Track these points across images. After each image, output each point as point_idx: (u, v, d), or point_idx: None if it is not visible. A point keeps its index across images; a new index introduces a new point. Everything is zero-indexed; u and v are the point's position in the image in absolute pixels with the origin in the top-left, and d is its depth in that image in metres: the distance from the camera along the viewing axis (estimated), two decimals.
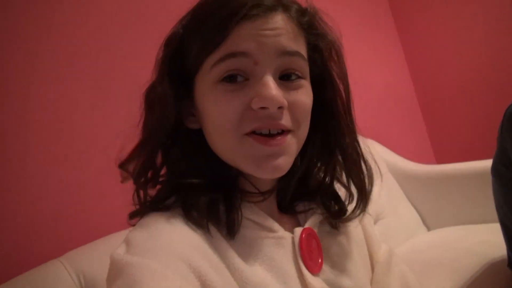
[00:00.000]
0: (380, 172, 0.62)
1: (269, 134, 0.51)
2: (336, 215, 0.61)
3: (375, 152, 1.77)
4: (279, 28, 0.51)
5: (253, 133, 0.51)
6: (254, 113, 0.51)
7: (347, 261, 0.59)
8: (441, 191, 1.72)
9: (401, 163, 1.79)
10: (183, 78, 0.55)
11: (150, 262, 0.43)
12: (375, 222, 1.56)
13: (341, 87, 0.59)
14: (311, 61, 0.56)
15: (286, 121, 0.52)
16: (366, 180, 0.60)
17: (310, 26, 0.56)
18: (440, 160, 2.44)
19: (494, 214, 1.17)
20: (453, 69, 2.33)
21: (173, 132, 0.54)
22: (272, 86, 0.50)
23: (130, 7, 1.36)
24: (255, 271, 0.50)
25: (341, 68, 0.59)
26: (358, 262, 0.61)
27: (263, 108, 0.50)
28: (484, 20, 2.18)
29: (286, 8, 0.53)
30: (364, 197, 0.60)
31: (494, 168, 1.18)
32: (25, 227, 1.07)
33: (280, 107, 0.51)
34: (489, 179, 1.21)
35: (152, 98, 0.56)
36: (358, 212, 0.60)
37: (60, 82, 1.18)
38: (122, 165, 0.56)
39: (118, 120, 1.19)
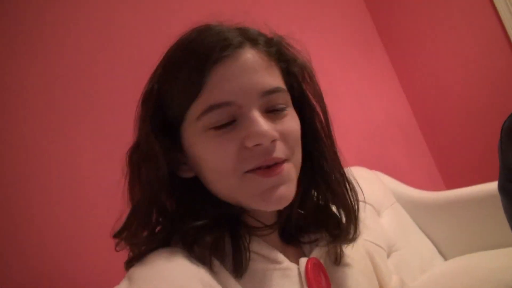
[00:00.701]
0: (363, 195, 0.63)
1: (268, 166, 0.51)
2: (338, 237, 0.59)
3: (381, 183, 1.74)
4: (252, 65, 0.52)
5: (253, 170, 0.51)
6: (250, 151, 0.51)
7: None
8: (452, 217, 1.68)
9: (409, 192, 1.76)
10: (167, 130, 0.55)
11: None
12: (388, 255, 1.51)
13: (318, 109, 0.60)
14: (288, 86, 0.57)
15: (281, 152, 0.52)
16: (352, 200, 0.60)
17: (279, 54, 0.57)
18: (449, 185, 2.39)
19: (510, 236, 1.13)
20: (450, 92, 2.34)
21: (167, 187, 0.54)
22: (261, 122, 0.51)
23: (143, 60, 1.38)
24: None
25: (315, 89, 0.60)
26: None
27: (257, 145, 0.50)
28: (474, 42, 2.21)
29: (253, 43, 0.54)
30: (353, 217, 0.60)
31: (500, 186, 1.15)
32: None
33: (273, 140, 0.51)
34: (500, 200, 1.18)
35: (137, 159, 0.55)
36: (352, 233, 0.60)
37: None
38: (116, 235, 0.55)
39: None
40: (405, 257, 1.53)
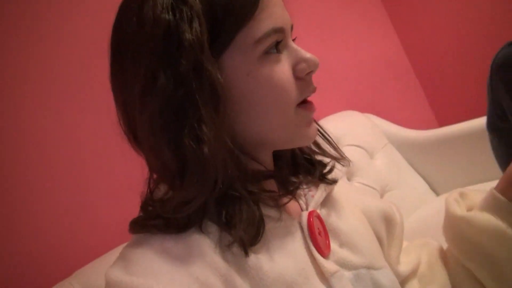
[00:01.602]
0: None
1: (305, 100, 0.51)
2: (315, 175, 0.59)
3: (374, 125, 1.76)
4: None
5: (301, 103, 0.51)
6: (301, 81, 0.50)
7: (354, 238, 0.57)
8: (444, 154, 1.71)
9: (401, 132, 1.78)
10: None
11: (153, 284, 0.42)
12: (382, 196, 1.55)
13: None
14: None
15: None
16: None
17: None
18: (442, 124, 2.42)
19: (498, 170, 1.16)
20: (443, 30, 2.30)
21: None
22: (304, 50, 0.50)
23: None
24: (272, 264, 0.48)
25: None
26: (365, 236, 0.60)
27: (308, 73, 0.50)
28: None
29: None
30: (323, 151, 0.60)
31: (489, 122, 1.17)
32: (33, 249, 1.08)
33: None
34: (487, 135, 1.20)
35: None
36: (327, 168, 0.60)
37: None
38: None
39: None
40: (399, 196, 1.57)
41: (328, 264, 0.51)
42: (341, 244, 0.56)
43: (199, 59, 0.44)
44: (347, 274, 0.53)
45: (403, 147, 1.73)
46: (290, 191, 0.53)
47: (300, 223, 0.54)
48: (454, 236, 0.63)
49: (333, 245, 0.55)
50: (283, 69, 0.48)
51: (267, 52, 0.48)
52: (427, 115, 2.43)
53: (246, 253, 0.46)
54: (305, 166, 0.60)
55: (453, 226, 0.63)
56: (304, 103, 0.51)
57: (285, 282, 0.47)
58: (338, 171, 0.62)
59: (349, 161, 0.61)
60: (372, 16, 2.38)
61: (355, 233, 0.58)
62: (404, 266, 0.65)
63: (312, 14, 1.93)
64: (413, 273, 0.66)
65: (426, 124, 2.31)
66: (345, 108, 1.78)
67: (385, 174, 1.59)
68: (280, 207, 0.51)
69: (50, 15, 1.23)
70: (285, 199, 0.53)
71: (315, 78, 0.53)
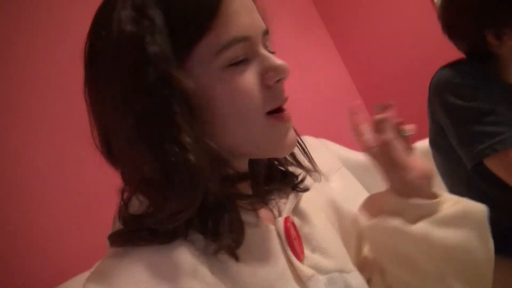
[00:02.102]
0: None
1: (279, 110, 0.51)
2: (288, 186, 0.61)
3: (328, 150, 1.82)
4: (252, 3, 0.51)
5: (268, 113, 0.50)
6: (269, 90, 0.49)
7: (325, 243, 0.59)
8: None
9: (353, 155, 1.84)
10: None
11: None
12: None
13: None
14: None
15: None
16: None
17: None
18: None
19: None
20: (386, 52, 2.46)
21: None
22: (274, 57, 0.49)
23: None
24: (253, 269, 0.49)
25: None
26: (334, 240, 0.62)
27: (278, 81, 0.49)
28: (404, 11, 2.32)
29: None
30: (296, 162, 0.61)
31: (431, 140, 1.25)
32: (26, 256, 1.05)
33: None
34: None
35: (148, 124, 0.45)
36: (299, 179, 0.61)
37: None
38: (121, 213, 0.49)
39: None
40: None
41: (304, 269, 0.53)
42: (313, 249, 0.58)
43: (166, 69, 0.44)
44: (322, 278, 0.55)
45: (356, 170, 1.80)
46: (264, 196, 0.55)
47: (276, 229, 0.55)
48: (371, 245, 0.67)
49: (306, 251, 0.57)
50: (248, 78, 0.48)
51: (233, 62, 0.47)
52: None
53: (237, 259, 0.47)
54: (278, 176, 0.61)
55: (365, 237, 0.67)
56: (276, 112, 0.51)
57: (267, 286, 0.49)
58: (309, 179, 0.63)
59: (321, 175, 0.63)
60: (318, 41, 2.49)
61: (324, 238, 0.60)
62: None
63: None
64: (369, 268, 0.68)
65: None
66: (302, 133, 1.83)
67: (341, 196, 1.63)
68: (256, 211, 0.53)
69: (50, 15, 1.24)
70: (259, 204, 0.55)
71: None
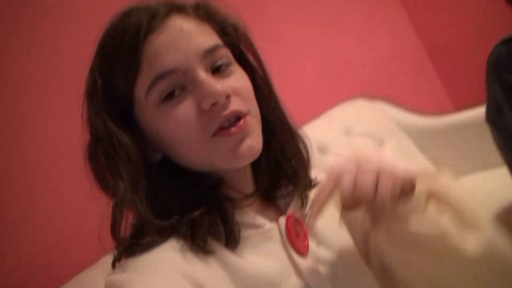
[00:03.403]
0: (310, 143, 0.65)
1: (230, 124, 0.53)
2: (298, 186, 0.63)
3: (383, 114, 1.77)
4: (185, 29, 0.53)
5: (217, 130, 0.53)
6: (208, 113, 0.52)
7: (331, 236, 0.61)
8: (457, 141, 1.70)
9: (411, 119, 1.78)
10: (122, 118, 0.55)
11: (149, 277, 0.47)
12: None
13: (256, 65, 0.61)
14: (227, 46, 0.57)
15: (238, 105, 0.53)
16: (302, 148, 0.63)
17: (209, 15, 0.57)
18: (459, 107, 2.39)
19: None
20: (457, 8, 2.28)
21: (145, 174, 0.54)
22: (211, 81, 0.52)
23: None
24: (253, 266, 0.53)
25: (252, 48, 0.61)
26: (340, 234, 0.62)
27: (214, 104, 0.51)
28: None
29: (180, 9, 0.54)
30: (302, 163, 0.63)
31: (488, 117, 1.18)
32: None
33: (228, 96, 0.52)
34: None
35: (104, 154, 0.53)
36: (306, 179, 0.63)
37: None
38: (115, 235, 0.54)
39: None
40: None
41: (305, 263, 0.56)
42: (319, 243, 0.60)
43: (106, 126, 0.53)
44: (324, 271, 0.57)
45: (413, 134, 1.74)
46: (266, 195, 0.59)
47: (278, 227, 0.58)
48: None
49: (311, 244, 0.59)
50: (183, 108, 0.52)
51: (163, 97, 0.52)
52: (441, 99, 2.41)
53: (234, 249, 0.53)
54: (284, 175, 0.63)
55: None
56: (222, 130, 0.53)
57: (266, 281, 0.52)
58: (319, 174, 0.64)
59: (315, 183, 0.65)
60: (387, 7, 2.35)
61: (331, 232, 0.61)
62: None
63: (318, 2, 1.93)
64: None
65: (440, 108, 2.30)
66: (354, 96, 1.78)
67: (395, 161, 1.60)
68: (260, 211, 0.57)
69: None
70: (260, 204, 0.59)
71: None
